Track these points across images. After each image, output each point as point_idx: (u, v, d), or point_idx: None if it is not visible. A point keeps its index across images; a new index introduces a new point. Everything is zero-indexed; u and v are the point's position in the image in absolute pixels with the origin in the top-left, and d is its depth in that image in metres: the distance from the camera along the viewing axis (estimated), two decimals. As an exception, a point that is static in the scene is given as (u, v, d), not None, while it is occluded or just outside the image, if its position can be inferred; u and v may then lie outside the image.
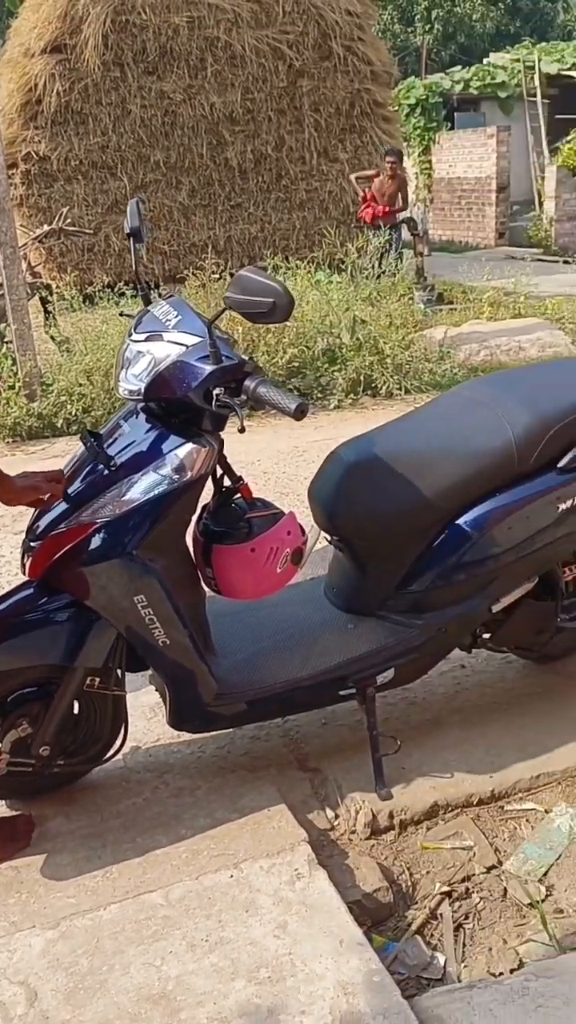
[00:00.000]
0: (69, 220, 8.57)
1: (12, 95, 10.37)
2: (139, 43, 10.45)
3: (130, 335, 2.18)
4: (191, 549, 2.28)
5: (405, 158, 11.93)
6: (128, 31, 10.36)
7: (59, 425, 5.92)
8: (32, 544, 2.16)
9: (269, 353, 6.48)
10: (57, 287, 7.51)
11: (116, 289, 7.43)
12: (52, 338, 7.27)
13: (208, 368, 2.01)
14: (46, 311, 7.53)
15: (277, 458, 5.27)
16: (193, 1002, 1.75)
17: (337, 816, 2.36)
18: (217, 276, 7.09)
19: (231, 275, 6.42)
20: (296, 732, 2.68)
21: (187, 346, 2.06)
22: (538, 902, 2.13)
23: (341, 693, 2.43)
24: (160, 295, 2.37)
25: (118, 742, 2.36)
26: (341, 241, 8.62)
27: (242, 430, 1.98)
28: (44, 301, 7.53)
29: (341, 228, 10.86)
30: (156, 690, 2.49)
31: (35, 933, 1.94)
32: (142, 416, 2.18)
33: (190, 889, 2.04)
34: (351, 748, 2.56)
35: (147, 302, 2.31)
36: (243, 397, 2.01)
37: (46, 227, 8.59)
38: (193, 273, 7.30)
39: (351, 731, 2.64)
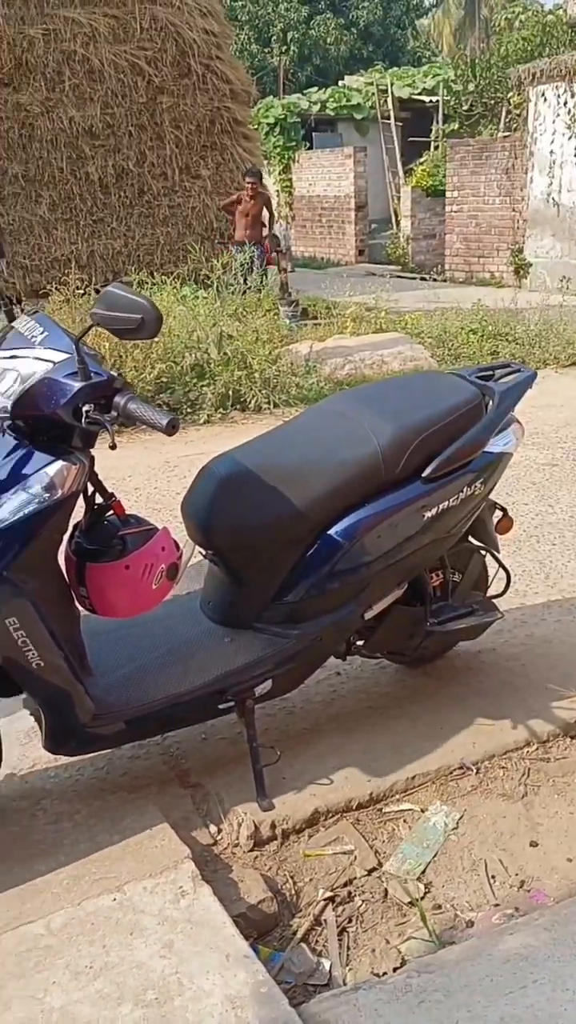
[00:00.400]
0: None
1: None
2: (-7, 54, 10.21)
3: (-6, 352, 2.12)
4: (63, 569, 2.24)
5: (266, 176, 12.10)
6: (-19, 41, 10.11)
7: None
8: None
9: (137, 368, 6.44)
10: None
11: (-26, 304, 7.21)
12: None
13: (76, 385, 1.98)
14: None
15: (148, 474, 5.24)
16: (79, 1031, 1.71)
17: (220, 830, 2.36)
18: (81, 291, 7.00)
19: (96, 291, 6.30)
20: (176, 748, 2.67)
21: (54, 363, 2.03)
22: (417, 900, 2.19)
23: (220, 707, 2.44)
24: (23, 311, 2.32)
25: (-9, 771, 2.29)
26: (206, 257, 8.66)
27: (113, 447, 1.96)
28: None
29: (205, 244, 10.92)
30: (31, 714, 2.42)
31: None
32: (8, 435, 2.13)
33: (72, 916, 1.99)
34: (232, 761, 2.56)
35: (11, 318, 2.26)
36: (113, 413, 1.99)
37: None
38: (56, 288, 7.18)
39: (231, 744, 2.64)
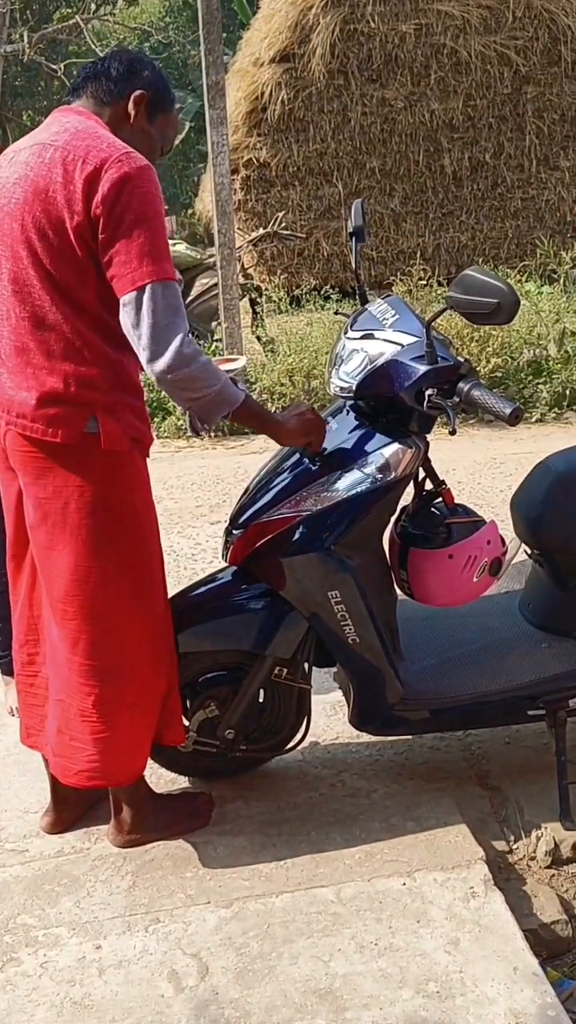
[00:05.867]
0: (283, 224, 8.77)
1: (239, 103, 10.72)
2: (365, 51, 10.54)
3: (345, 333, 2.19)
4: (387, 550, 2.27)
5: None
6: (355, 40, 10.47)
7: (259, 422, 6.07)
8: (234, 532, 2.22)
9: (471, 362, 6.37)
10: (266, 289, 7.70)
11: (322, 292, 7.54)
12: (258, 338, 7.48)
13: (422, 368, 1.99)
14: (255, 312, 7.75)
15: (473, 468, 5.17)
16: (359, 1003, 1.74)
17: (516, 840, 2.28)
18: (424, 283, 7.04)
19: (439, 283, 6.25)
20: (477, 748, 2.61)
21: (402, 345, 2.05)
22: None
23: (529, 713, 2.35)
24: (378, 294, 2.37)
25: (299, 734, 2.38)
26: (555, 251, 8.34)
27: (453, 432, 1.95)
28: (253, 302, 7.74)
29: (556, 238, 10.52)
30: (340, 688, 2.49)
31: (210, 909, 1.99)
32: (350, 414, 2.19)
33: (361, 890, 2.02)
34: (535, 772, 2.46)
35: (364, 301, 2.32)
36: (456, 399, 1.97)
37: (261, 230, 8.84)
38: (399, 279, 7.28)
39: (536, 754, 2.54)
